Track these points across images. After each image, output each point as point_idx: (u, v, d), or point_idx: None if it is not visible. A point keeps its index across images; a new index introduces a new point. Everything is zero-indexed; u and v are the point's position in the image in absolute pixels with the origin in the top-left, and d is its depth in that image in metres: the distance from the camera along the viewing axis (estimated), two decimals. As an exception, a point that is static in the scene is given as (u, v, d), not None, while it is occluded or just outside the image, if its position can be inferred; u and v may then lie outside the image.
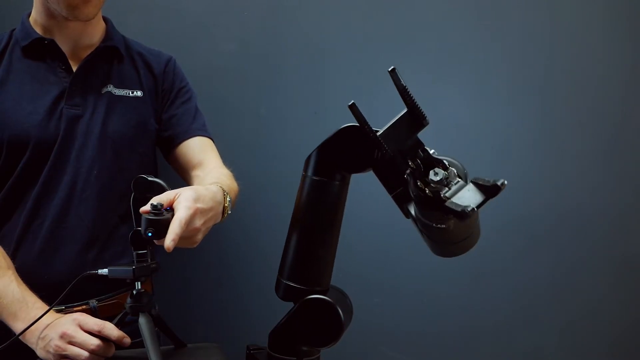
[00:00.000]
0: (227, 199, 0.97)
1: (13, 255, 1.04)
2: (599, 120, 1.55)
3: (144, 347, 0.88)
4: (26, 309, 0.95)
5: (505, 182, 0.52)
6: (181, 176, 1.21)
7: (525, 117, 1.52)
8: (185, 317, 1.41)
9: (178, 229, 0.77)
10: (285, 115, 1.45)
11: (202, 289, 1.46)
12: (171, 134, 1.19)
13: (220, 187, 0.97)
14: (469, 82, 1.50)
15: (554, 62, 1.53)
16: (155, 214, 0.78)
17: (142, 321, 0.90)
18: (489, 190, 0.54)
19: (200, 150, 1.18)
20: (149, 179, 0.90)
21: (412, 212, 0.71)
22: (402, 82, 0.56)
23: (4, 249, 1.04)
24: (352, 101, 0.56)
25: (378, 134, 0.58)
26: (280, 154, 1.45)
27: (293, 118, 1.46)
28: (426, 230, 0.65)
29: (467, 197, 0.55)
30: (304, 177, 0.79)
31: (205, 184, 1.01)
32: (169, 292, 1.41)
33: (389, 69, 0.55)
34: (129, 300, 0.92)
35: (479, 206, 0.53)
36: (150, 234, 0.77)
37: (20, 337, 0.93)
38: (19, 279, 0.99)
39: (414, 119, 0.57)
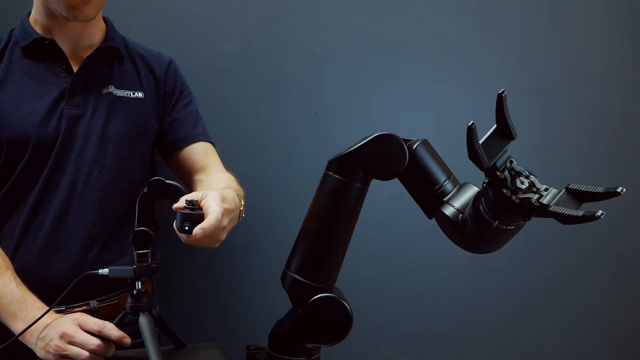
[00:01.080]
0: (242, 202, 1.01)
1: (13, 256, 1.04)
2: (599, 120, 1.55)
3: (144, 347, 0.88)
4: (26, 309, 0.95)
5: (624, 189, 0.58)
6: (181, 179, 1.21)
7: (525, 117, 1.52)
8: (185, 317, 1.41)
9: (213, 222, 0.81)
10: (285, 115, 1.45)
11: (202, 289, 1.46)
12: (173, 139, 1.20)
13: (235, 192, 1.00)
14: (469, 82, 1.50)
15: (554, 62, 1.53)
16: (190, 209, 0.82)
17: (143, 321, 0.90)
18: (597, 196, 0.60)
19: (203, 156, 1.20)
20: (167, 181, 0.91)
21: (449, 212, 0.77)
22: (507, 103, 0.63)
23: (4, 249, 1.04)
24: (472, 121, 0.62)
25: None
26: (280, 154, 1.45)
27: (293, 118, 1.46)
28: (485, 231, 0.71)
29: (566, 202, 0.62)
30: (327, 175, 0.82)
31: (214, 188, 1.02)
32: (169, 292, 1.41)
33: (501, 92, 0.62)
34: (129, 300, 0.92)
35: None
36: (187, 228, 0.81)
37: (19, 337, 0.92)
38: (18, 279, 0.99)
39: (505, 134, 0.64)
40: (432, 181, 0.80)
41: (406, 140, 0.80)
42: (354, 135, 1.44)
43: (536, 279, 1.54)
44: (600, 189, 0.60)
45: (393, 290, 1.50)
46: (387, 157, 0.78)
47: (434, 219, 0.82)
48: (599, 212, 0.57)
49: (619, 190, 0.58)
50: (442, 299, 1.52)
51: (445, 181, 0.80)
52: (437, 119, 1.48)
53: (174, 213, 0.83)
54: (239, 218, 1.00)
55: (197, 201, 0.83)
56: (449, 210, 0.77)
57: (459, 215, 0.76)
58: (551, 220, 0.63)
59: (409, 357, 1.52)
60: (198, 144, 1.20)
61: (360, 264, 1.46)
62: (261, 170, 1.45)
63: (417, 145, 0.80)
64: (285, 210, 1.45)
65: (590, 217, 0.58)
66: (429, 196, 0.81)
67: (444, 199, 0.79)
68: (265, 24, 1.44)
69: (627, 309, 1.58)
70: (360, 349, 1.46)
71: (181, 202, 0.83)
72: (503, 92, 0.62)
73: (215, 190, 0.89)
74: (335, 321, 0.81)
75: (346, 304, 0.81)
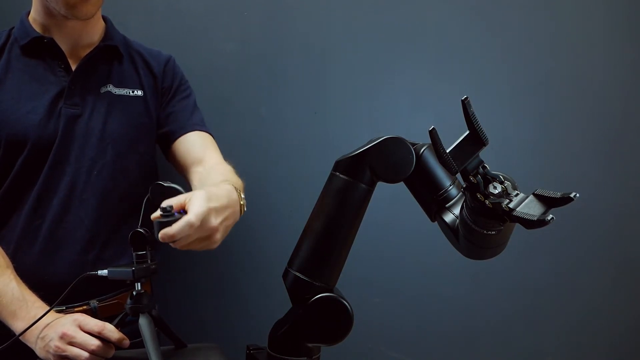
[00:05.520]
0: (242, 196, 0.97)
1: (13, 256, 1.04)
2: (600, 120, 1.55)
3: (144, 346, 0.88)
4: (26, 308, 0.95)
5: (577, 194, 0.58)
6: (181, 173, 1.19)
7: (525, 117, 1.52)
8: (185, 317, 1.41)
9: (180, 227, 0.78)
10: (285, 115, 1.45)
11: (202, 289, 1.46)
12: (168, 130, 1.18)
13: (233, 185, 0.96)
14: (469, 82, 1.50)
15: (555, 63, 1.53)
16: (165, 216, 0.79)
17: (143, 322, 0.90)
18: (557, 201, 0.60)
19: (200, 146, 1.17)
20: (165, 184, 0.90)
21: (448, 220, 0.78)
22: (472, 109, 0.64)
23: (4, 250, 1.04)
24: (433, 126, 0.63)
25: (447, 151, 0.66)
26: (280, 154, 1.45)
27: (293, 118, 1.46)
28: (470, 236, 0.72)
29: (532, 207, 0.62)
30: (333, 175, 0.82)
31: (212, 182, 1.01)
32: (169, 292, 1.41)
33: (463, 99, 0.63)
34: (128, 301, 0.92)
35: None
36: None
37: (19, 337, 0.92)
38: (18, 278, 0.99)
39: (476, 140, 0.65)
40: (436, 186, 0.81)
41: (412, 144, 0.81)
42: (354, 135, 1.45)
43: (536, 279, 1.54)
44: (558, 194, 0.61)
45: (393, 290, 1.50)
46: (394, 160, 0.79)
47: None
48: (549, 217, 0.58)
49: (572, 195, 0.58)
50: (442, 299, 1.52)
51: (450, 186, 0.81)
52: (437, 119, 1.48)
53: None
54: (241, 212, 0.95)
55: (171, 207, 0.80)
56: (448, 217, 0.78)
57: (456, 221, 0.77)
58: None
59: (409, 357, 1.52)
60: (193, 133, 1.17)
61: (360, 264, 1.46)
62: (261, 170, 1.44)
63: (423, 150, 0.81)
64: (285, 210, 1.45)
65: (541, 222, 0.59)
66: (432, 200, 0.81)
67: (446, 205, 0.79)
68: (265, 24, 1.44)
69: (627, 309, 1.58)
70: (360, 349, 1.46)
71: (157, 211, 0.80)
72: (466, 98, 0.63)
73: (203, 190, 0.86)
74: (335, 321, 0.81)
75: (347, 304, 0.81)
